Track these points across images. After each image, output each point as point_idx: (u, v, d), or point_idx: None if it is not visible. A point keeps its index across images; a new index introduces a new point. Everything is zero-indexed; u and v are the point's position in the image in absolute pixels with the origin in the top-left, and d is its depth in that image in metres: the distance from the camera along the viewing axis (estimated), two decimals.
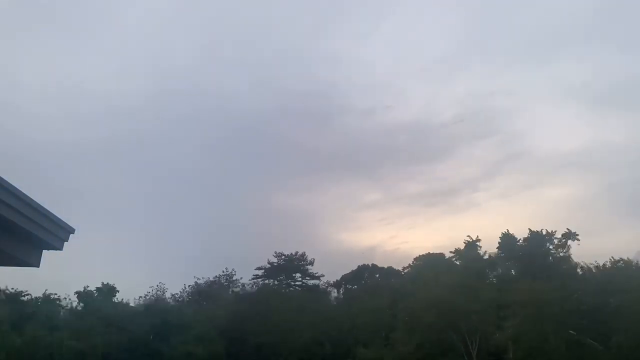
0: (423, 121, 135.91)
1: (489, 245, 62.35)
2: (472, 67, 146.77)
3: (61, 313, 53.56)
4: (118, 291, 61.01)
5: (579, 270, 54.50)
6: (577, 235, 56.33)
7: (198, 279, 72.61)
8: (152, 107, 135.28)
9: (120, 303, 60.67)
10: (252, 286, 73.41)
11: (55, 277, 46.58)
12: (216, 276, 75.05)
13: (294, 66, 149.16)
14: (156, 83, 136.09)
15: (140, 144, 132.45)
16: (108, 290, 59.58)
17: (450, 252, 64.28)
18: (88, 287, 59.06)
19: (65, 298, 57.25)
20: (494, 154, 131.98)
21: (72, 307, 56.90)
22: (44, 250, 6.08)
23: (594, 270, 52.49)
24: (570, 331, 41.31)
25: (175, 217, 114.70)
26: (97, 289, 59.58)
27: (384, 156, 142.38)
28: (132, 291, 65.63)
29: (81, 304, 56.64)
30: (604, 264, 51.80)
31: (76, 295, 58.46)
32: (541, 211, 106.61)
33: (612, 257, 51.94)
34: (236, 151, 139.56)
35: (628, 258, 51.37)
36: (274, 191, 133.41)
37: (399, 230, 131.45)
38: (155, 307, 54.84)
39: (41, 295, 54.54)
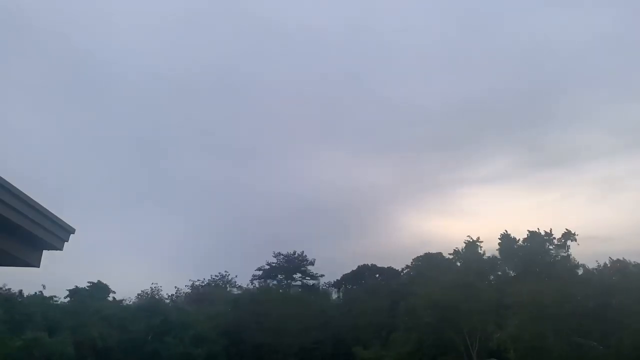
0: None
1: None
2: None
3: (57, 313, 53.19)
4: (114, 292, 60.72)
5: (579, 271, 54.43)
6: (577, 235, 56.62)
7: (194, 281, 72.79)
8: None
9: (117, 302, 60.37)
10: (251, 286, 73.41)
11: (54, 275, 46.42)
12: (212, 277, 75.24)
13: None
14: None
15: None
16: (100, 289, 59.11)
17: (449, 254, 64.27)
18: (90, 282, 58.85)
19: (58, 298, 56.94)
20: None
21: (67, 306, 56.53)
22: (44, 250, 6.06)
23: (600, 268, 52.64)
24: (578, 338, 41.18)
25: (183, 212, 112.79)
26: (89, 286, 59.01)
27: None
28: (129, 291, 65.71)
29: (76, 303, 56.21)
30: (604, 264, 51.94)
31: (68, 295, 58.19)
32: None
33: (611, 257, 52.14)
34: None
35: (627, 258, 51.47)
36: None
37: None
38: (154, 307, 54.56)
39: (36, 293, 54.06)
